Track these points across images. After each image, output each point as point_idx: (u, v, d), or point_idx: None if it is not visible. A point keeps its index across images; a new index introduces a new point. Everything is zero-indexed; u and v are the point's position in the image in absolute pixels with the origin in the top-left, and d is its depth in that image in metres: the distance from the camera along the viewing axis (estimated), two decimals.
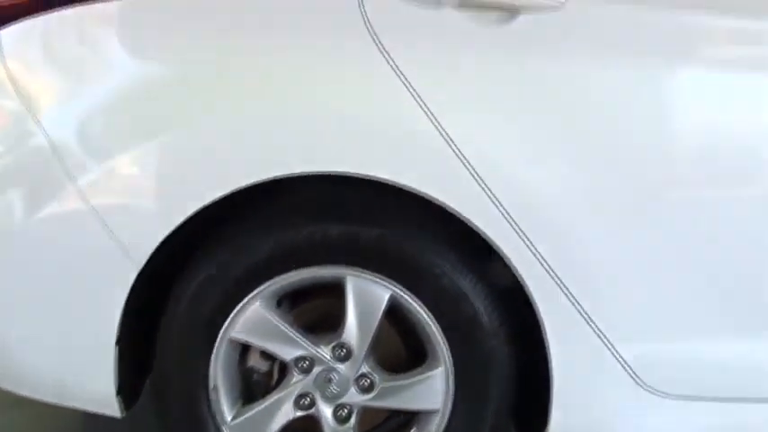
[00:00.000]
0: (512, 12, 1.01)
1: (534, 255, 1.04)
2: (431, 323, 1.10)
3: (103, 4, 1.04)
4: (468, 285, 1.09)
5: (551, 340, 1.07)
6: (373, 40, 1.01)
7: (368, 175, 1.02)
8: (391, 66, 1.01)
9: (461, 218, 1.04)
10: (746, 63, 1.05)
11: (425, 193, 1.02)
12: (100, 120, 1.08)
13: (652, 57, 1.02)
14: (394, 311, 1.12)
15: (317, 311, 1.20)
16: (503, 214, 1.03)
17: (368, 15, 1.01)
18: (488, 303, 1.10)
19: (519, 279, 1.06)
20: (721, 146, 1.05)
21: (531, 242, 1.03)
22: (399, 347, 1.20)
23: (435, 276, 1.09)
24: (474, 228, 1.04)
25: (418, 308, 1.10)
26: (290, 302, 1.19)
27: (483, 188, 1.02)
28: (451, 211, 1.03)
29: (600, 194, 1.05)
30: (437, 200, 1.03)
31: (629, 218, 1.06)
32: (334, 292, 1.13)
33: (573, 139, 1.04)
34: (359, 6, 1.01)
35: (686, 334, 1.11)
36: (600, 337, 1.07)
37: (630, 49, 1.03)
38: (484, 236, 1.04)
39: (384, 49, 1.01)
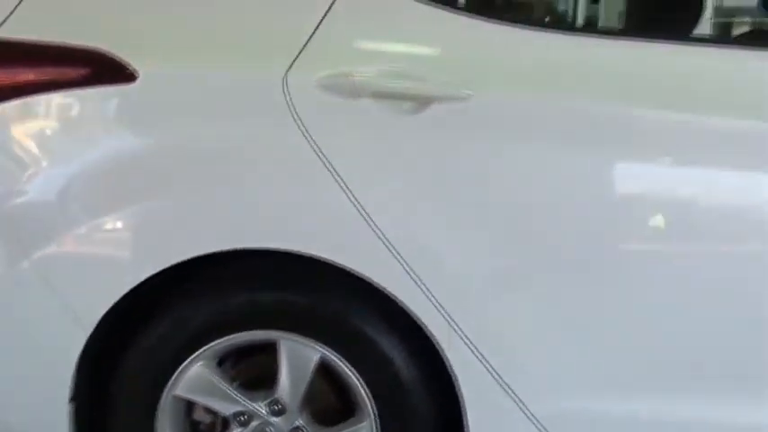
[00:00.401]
0: (424, 102, 1.12)
1: (446, 320, 1.14)
2: (356, 381, 1.20)
3: None
4: (390, 346, 1.20)
5: (466, 398, 1.17)
6: (298, 126, 1.12)
7: (291, 250, 1.13)
8: (314, 150, 1.12)
9: (379, 287, 1.14)
10: (626, 149, 1.15)
11: (345, 266, 1.13)
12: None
13: (548, 142, 1.12)
14: (328, 368, 1.23)
15: (258, 367, 1.30)
16: (416, 283, 1.13)
17: (294, 106, 1.12)
18: (410, 362, 1.21)
19: (434, 342, 1.16)
20: (607, 218, 1.15)
21: (442, 307, 1.14)
22: (335, 402, 1.30)
23: (359, 339, 1.19)
24: (390, 295, 1.14)
25: (345, 368, 1.20)
26: (233, 359, 1.29)
27: (400, 261, 1.12)
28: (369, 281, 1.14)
29: (506, 264, 1.16)
30: (359, 273, 1.13)
31: (536, 285, 1.16)
32: (274, 349, 1.23)
33: (478, 213, 1.14)
34: (285, 98, 1.12)
35: (597, 391, 1.21)
36: (511, 395, 1.17)
37: (528, 135, 1.13)
38: (398, 302, 1.15)
39: (309, 135, 1.12)
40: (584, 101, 1.13)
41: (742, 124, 1.12)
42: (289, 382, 1.21)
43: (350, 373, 1.20)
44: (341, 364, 1.20)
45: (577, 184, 1.13)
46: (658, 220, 1.16)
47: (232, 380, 1.26)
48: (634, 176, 1.16)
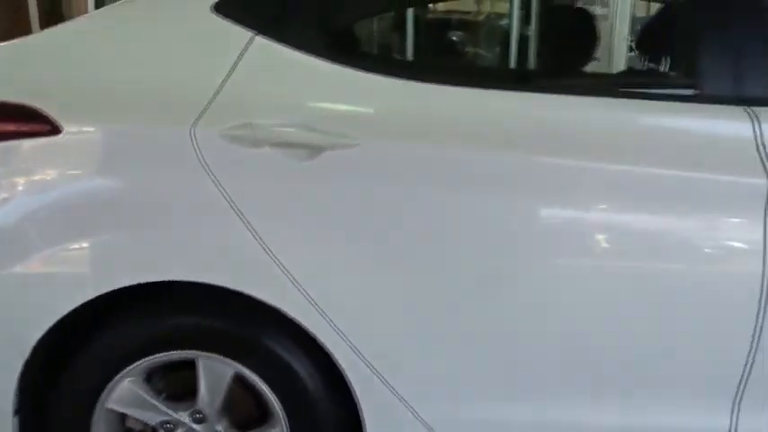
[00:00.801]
0: (316, 150, 1.28)
1: (344, 340, 1.31)
2: (267, 392, 1.38)
3: None
4: (296, 361, 1.36)
5: (364, 407, 1.35)
6: (207, 174, 1.27)
7: (200, 281, 1.29)
8: (223, 194, 1.27)
9: (281, 311, 1.31)
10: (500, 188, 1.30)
11: (253, 295, 1.30)
12: None
13: (424, 185, 1.29)
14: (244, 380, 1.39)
15: (183, 381, 1.46)
16: (316, 309, 1.29)
17: (203, 155, 1.27)
18: (315, 375, 1.38)
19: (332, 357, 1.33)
20: (482, 242, 1.30)
21: (337, 327, 1.30)
22: (253, 409, 1.47)
23: (268, 356, 1.36)
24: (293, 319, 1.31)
25: (256, 379, 1.37)
26: (162, 373, 1.46)
27: (300, 290, 1.29)
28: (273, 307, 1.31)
29: (395, 287, 1.32)
30: (265, 301, 1.30)
31: (424, 303, 1.32)
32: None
33: (368, 244, 1.30)
34: (194, 149, 1.27)
35: (488, 399, 1.38)
36: (405, 404, 1.35)
37: (409, 179, 1.29)
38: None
39: (218, 181, 1.27)
40: (458, 148, 1.29)
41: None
42: (207, 394, 1.39)
43: (261, 385, 1.38)
44: (253, 377, 1.37)
45: (451, 217, 1.30)
46: (525, 242, 1.31)
47: (160, 392, 1.43)
48: (501, 210, 1.30)
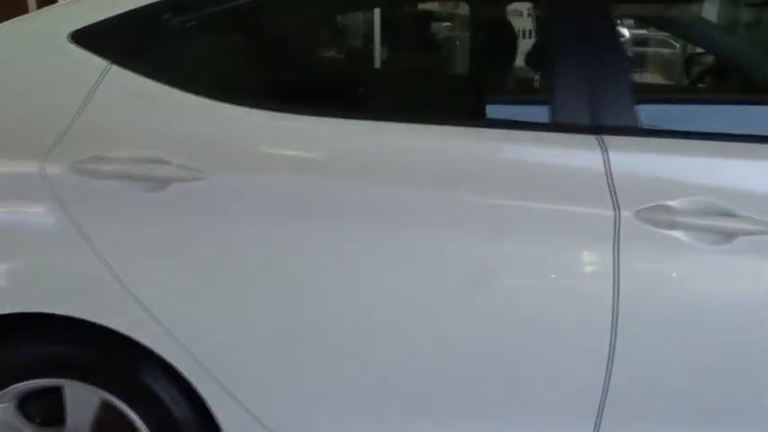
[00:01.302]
0: (164, 182, 1.28)
1: (198, 365, 1.32)
2: (134, 416, 1.39)
3: None
4: (161, 388, 1.38)
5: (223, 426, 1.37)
6: (59, 206, 1.28)
7: (57, 312, 1.30)
8: (75, 226, 1.28)
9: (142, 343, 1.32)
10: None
11: (110, 327, 1.31)
12: None
13: (269, 216, 1.29)
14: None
15: (56, 405, 1.48)
16: (171, 338, 1.31)
17: (53, 188, 1.28)
18: (182, 400, 1.39)
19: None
20: (317, 278, 1.31)
21: (192, 354, 1.32)
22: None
23: (133, 382, 1.38)
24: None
25: (120, 404, 1.39)
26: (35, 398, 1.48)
27: (154, 319, 1.30)
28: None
29: (242, 316, 1.32)
30: (115, 329, 1.31)
31: (272, 330, 1.33)
32: None
33: (215, 276, 1.31)
34: (44, 182, 1.28)
35: (338, 418, 1.39)
36: (263, 425, 1.36)
37: (255, 210, 1.29)
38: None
39: (69, 213, 1.28)
40: (308, 178, 1.29)
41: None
42: (75, 419, 1.41)
43: (128, 412, 1.39)
44: (117, 401, 1.39)
45: (294, 246, 1.30)
46: (366, 268, 1.31)
47: (32, 418, 1.45)
48: (343, 237, 1.30)
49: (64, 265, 1.32)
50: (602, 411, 1.33)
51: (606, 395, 1.31)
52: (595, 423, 1.34)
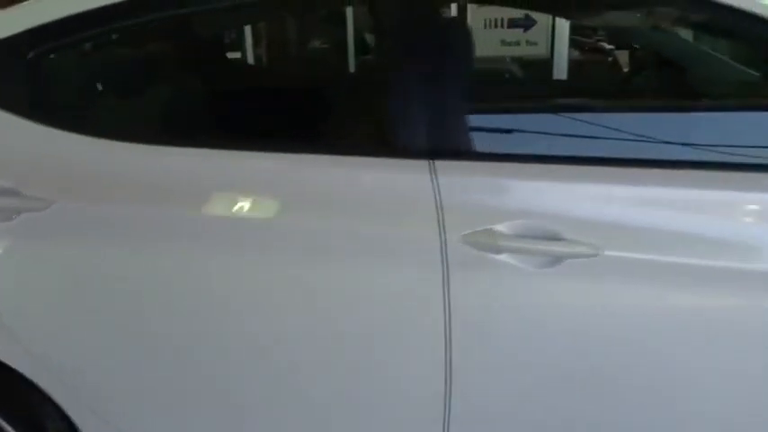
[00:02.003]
0: (14, 212, 1.32)
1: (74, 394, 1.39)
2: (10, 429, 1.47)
3: None
4: (41, 409, 1.44)
5: None
6: None
7: None
8: None
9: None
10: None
11: None
12: None
13: (113, 244, 1.33)
14: None
15: None
16: (33, 359, 1.37)
17: None
18: (55, 415, 1.46)
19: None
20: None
21: (59, 378, 1.38)
22: None
23: (10, 401, 1.45)
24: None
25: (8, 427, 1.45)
26: None
27: (21, 345, 1.36)
28: None
29: (95, 340, 1.38)
30: None
31: (122, 356, 1.39)
32: None
33: (68, 303, 1.37)
34: None
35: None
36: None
37: (96, 238, 1.33)
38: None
39: None
40: (143, 207, 1.33)
41: None
42: None
43: (6, 425, 1.47)
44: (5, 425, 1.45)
45: (137, 274, 1.34)
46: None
47: None
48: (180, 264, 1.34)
49: None
50: None
51: (449, 421, 1.34)
52: None
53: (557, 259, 1.24)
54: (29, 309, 1.37)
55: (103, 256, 1.33)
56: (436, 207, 1.25)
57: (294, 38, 4.48)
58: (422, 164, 1.27)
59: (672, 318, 1.27)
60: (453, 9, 2.98)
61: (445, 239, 1.24)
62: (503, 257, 1.24)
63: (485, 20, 4.81)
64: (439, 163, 1.26)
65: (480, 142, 1.32)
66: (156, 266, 1.32)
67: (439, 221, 1.25)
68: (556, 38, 4.65)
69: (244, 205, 1.34)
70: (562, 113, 1.46)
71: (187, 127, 1.48)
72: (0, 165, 1.36)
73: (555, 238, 1.23)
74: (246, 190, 1.33)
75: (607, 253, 1.22)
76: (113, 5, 1.34)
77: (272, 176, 1.34)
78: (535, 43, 4.80)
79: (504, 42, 4.83)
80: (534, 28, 4.78)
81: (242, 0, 1.51)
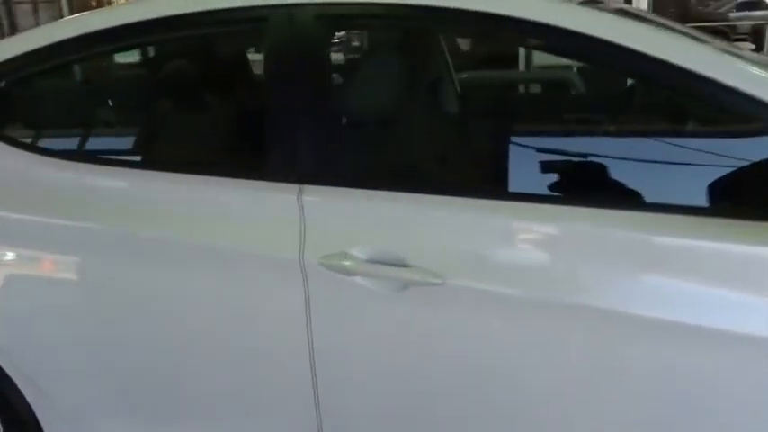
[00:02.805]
0: None
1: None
2: None
3: None
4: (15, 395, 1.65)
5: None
6: None
7: None
8: None
9: None
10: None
11: None
12: None
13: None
14: None
15: None
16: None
17: None
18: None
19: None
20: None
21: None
22: None
23: None
24: None
25: None
26: None
27: None
28: None
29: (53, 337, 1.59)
30: None
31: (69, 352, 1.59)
32: None
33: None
34: None
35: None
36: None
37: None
38: None
39: None
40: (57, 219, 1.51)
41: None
42: None
43: None
44: None
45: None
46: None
47: None
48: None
49: None
50: None
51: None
52: None
53: (405, 284, 1.28)
54: None
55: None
56: (300, 230, 1.34)
57: None
58: (292, 187, 1.36)
59: (514, 348, 1.27)
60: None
61: (305, 261, 1.33)
62: (357, 279, 1.30)
63: None
64: (306, 187, 1.35)
65: (344, 170, 1.39)
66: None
67: (301, 242, 1.33)
68: None
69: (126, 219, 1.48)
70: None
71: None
72: None
73: (402, 264, 1.27)
74: (127, 205, 1.49)
75: (450, 282, 1.24)
76: None
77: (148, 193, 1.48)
78: None
79: None
80: None
81: None
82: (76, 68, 1.80)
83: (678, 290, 1.19)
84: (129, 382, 1.56)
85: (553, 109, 1.72)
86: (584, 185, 1.31)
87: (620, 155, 1.37)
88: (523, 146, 1.46)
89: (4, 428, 1.73)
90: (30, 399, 1.64)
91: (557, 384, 1.26)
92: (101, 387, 1.59)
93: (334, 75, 1.40)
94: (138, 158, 1.58)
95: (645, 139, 1.43)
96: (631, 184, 1.31)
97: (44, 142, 1.68)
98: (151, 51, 1.94)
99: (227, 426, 1.53)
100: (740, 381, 1.17)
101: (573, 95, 2.14)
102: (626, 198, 1.30)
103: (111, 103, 1.81)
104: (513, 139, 1.44)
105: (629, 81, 1.65)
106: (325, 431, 1.43)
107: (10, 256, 1.56)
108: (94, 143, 1.68)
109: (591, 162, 1.35)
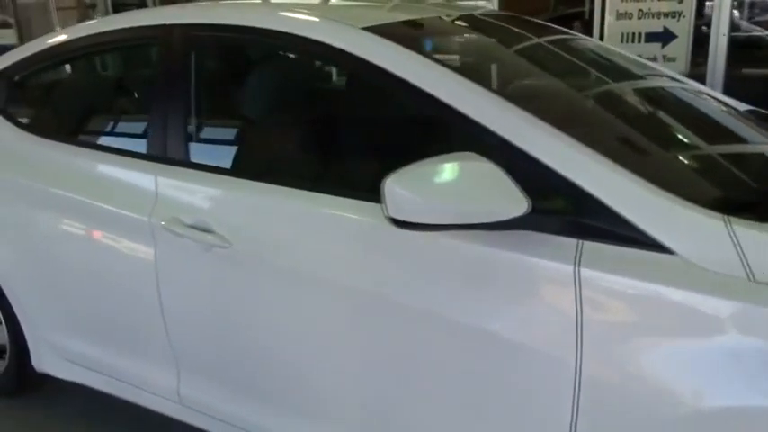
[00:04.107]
0: None
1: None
2: None
3: None
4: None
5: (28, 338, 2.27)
6: None
7: None
8: None
9: None
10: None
11: None
12: None
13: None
14: None
15: None
16: None
17: None
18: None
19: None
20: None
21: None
22: None
23: None
24: None
25: None
26: None
27: None
28: None
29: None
30: None
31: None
32: None
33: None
34: None
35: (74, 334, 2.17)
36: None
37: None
38: None
39: None
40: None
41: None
42: None
43: None
44: None
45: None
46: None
47: None
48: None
49: None
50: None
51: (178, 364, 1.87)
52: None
53: (210, 246, 1.67)
54: None
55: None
56: (155, 198, 1.78)
57: None
58: (153, 165, 1.81)
59: (278, 304, 1.62)
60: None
61: (152, 222, 1.77)
62: (185, 241, 1.71)
63: (622, 33, 4.67)
64: (160, 165, 1.79)
65: (186, 158, 1.80)
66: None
67: (153, 209, 1.78)
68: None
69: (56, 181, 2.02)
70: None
71: None
72: None
73: (209, 230, 1.67)
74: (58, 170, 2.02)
75: (236, 246, 1.62)
76: None
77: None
78: (674, 59, 4.50)
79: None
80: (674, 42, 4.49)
81: None
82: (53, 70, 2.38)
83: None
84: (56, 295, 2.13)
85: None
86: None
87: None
88: (287, 141, 1.79)
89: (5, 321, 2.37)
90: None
91: (304, 334, 1.61)
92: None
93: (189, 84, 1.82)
94: (74, 137, 2.14)
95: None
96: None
97: (28, 122, 2.27)
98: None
99: (126, 347, 2.03)
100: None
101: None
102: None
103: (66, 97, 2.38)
104: (280, 135, 1.78)
105: None
106: (179, 365, 1.88)
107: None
108: (56, 124, 2.26)
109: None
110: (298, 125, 1.82)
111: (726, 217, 1.18)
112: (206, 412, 1.88)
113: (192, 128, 1.81)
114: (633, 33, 4.59)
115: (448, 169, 1.22)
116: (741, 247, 1.14)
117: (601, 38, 4.69)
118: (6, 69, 2.27)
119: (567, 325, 1.23)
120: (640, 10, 4.56)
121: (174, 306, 1.81)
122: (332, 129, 1.80)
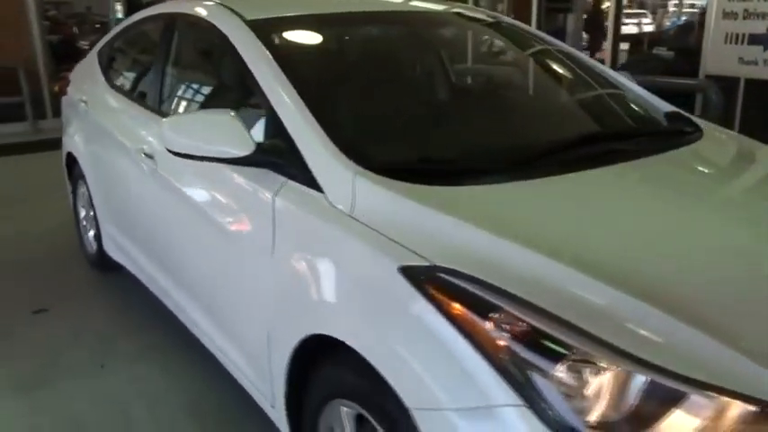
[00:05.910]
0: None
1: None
2: None
3: None
4: None
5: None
6: None
7: None
8: None
9: None
10: None
11: None
12: None
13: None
14: None
15: None
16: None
17: None
18: None
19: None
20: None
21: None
22: None
23: None
24: None
25: None
26: None
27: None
28: None
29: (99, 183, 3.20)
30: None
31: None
32: None
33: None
34: None
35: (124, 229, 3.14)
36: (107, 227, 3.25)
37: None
38: None
39: None
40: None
41: None
42: None
43: None
44: None
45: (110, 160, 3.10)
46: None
47: None
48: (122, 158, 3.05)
49: None
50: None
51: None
52: None
53: (155, 167, 2.45)
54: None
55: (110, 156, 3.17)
56: (139, 135, 2.63)
57: None
58: (143, 112, 2.66)
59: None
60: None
61: (133, 148, 2.62)
62: (149, 161, 2.51)
63: (726, 34, 4.48)
64: (147, 111, 2.64)
65: (156, 101, 2.62)
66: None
67: (139, 143, 2.62)
68: None
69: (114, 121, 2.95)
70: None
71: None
72: None
73: (151, 155, 2.45)
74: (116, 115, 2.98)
75: (160, 165, 2.38)
76: None
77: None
78: None
79: (741, 61, 4.40)
80: None
81: None
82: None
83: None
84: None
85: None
86: None
87: None
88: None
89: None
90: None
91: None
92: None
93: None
94: (122, 90, 3.09)
95: None
96: None
97: (114, 81, 3.26)
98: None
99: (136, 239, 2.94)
100: None
101: None
102: None
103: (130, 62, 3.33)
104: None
105: None
106: (148, 249, 2.73)
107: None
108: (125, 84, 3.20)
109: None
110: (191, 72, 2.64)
111: (357, 170, 1.62)
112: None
113: (159, 85, 2.63)
114: None
115: (201, 118, 1.85)
116: (355, 193, 1.59)
117: None
118: (108, 42, 3.32)
119: (267, 228, 1.80)
120: None
121: (141, 206, 2.66)
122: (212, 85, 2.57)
